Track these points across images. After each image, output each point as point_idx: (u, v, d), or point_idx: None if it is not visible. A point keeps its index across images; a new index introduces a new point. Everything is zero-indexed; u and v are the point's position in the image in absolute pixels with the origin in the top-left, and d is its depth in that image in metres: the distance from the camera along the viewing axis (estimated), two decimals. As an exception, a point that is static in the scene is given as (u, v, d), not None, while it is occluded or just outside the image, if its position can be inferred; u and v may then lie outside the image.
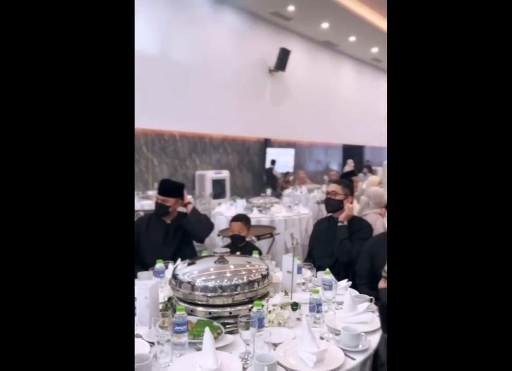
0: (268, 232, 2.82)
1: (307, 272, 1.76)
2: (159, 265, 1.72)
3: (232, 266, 1.42)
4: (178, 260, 1.77)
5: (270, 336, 1.08)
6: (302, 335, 1.09)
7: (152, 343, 1.12)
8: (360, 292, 1.55)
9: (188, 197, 5.12)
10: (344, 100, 10.27)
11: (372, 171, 8.27)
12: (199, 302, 1.31)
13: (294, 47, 8.32)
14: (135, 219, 2.29)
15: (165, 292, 1.50)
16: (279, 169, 8.05)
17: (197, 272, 1.40)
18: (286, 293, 1.47)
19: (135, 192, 4.63)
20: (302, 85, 8.91)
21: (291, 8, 7.27)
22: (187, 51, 6.46)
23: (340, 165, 10.34)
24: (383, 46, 9.44)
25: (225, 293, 1.31)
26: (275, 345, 1.13)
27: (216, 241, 3.31)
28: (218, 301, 1.29)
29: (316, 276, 1.73)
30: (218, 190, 6.82)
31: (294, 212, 3.92)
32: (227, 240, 2.51)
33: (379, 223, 2.48)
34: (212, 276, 1.36)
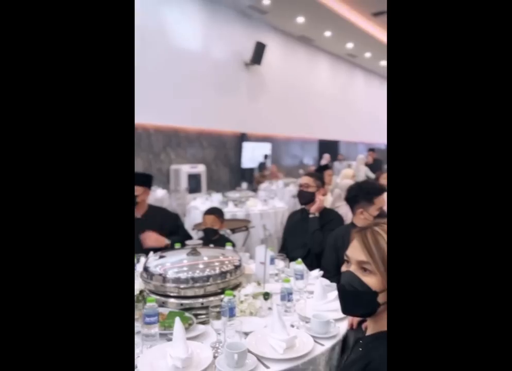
0: (243, 225, 2.83)
1: (280, 263, 1.78)
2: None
3: (204, 258, 1.42)
4: (151, 253, 1.75)
5: (241, 325, 1.09)
6: (272, 323, 1.11)
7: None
8: None
9: (162, 192, 5.07)
10: (320, 95, 10.38)
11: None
12: (171, 294, 1.31)
13: (270, 41, 8.31)
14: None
15: (136, 286, 1.49)
16: (255, 164, 8.06)
17: (169, 264, 1.39)
18: (259, 284, 1.49)
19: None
20: (278, 79, 8.93)
21: (266, 1, 7.24)
22: (160, 43, 6.33)
23: (316, 159, 10.46)
24: (358, 42, 9.59)
25: (197, 284, 1.31)
26: (246, 334, 1.14)
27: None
28: (190, 292, 1.29)
29: (288, 267, 1.76)
30: (194, 185, 6.75)
31: (270, 206, 3.94)
32: (202, 234, 2.51)
33: (350, 215, 2.54)
34: (185, 268, 1.36)
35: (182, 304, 1.28)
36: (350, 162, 9.11)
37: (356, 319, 1.26)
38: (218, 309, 1.09)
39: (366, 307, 0.74)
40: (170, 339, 1.09)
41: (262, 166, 7.91)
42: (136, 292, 1.41)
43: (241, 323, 1.08)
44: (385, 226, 0.78)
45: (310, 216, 2.01)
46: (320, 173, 3.25)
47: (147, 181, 2.09)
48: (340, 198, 2.67)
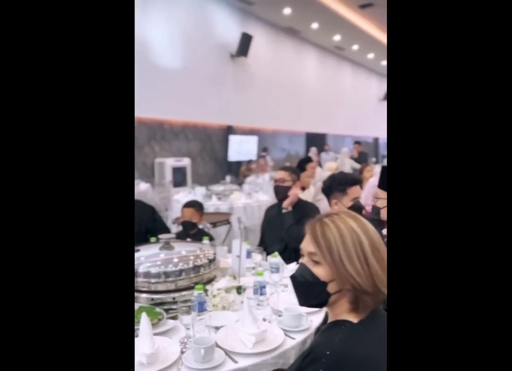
0: (225, 218, 2.81)
1: (258, 257, 1.77)
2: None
3: (177, 252, 1.40)
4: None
5: (210, 319, 1.07)
6: (242, 317, 1.09)
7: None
8: None
9: (146, 186, 5.00)
10: (308, 88, 10.35)
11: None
12: (142, 289, 1.28)
13: (257, 33, 8.22)
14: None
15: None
16: (241, 157, 8.02)
17: (142, 259, 1.37)
18: (234, 278, 1.47)
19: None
20: (265, 71, 8.86)
21: (252, -8, 7.15)
22: (144, 34, 6.19)
23: (303, 152, 10.47)
24: (345, 34, 9.56)
25: (170, 279, 1.29)
26: (217, 328, 1.13)
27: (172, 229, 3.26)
28: (161, 287, 1.27)
29: (266, 260, 1.75)
30: (179, 178, 6.69)
31: (254, 199, 3.92)
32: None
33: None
34: (158, 262, 1.33)
35: (152, 299, 1.26)
36: (337, 155, 9.14)
37: None
38: (188, 304, 1.07)
39: (317, 297, 0.75)
40: (138, 335, 1.06)
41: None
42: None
43: (210, 317, 1.07)
44: (335, 217, 0.77)
45: (283, 211, 2.00)
46: (302, 165, 3.24)
47: None
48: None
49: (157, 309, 1.21)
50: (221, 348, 1.01)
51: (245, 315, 1.08)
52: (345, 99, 11.96)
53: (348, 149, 7.56)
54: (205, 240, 1.75)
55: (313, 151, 8.50)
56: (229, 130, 8.19)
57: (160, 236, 1.46)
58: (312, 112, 10.46)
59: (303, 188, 3.13)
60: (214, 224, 2.64)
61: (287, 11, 8.06)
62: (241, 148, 8.25)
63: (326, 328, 0.76)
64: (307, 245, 0.79)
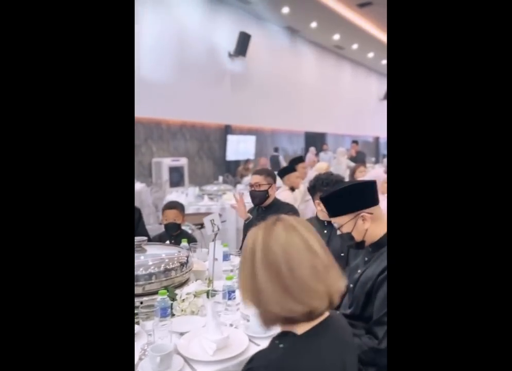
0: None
1: (236, 259, 1.74)
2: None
3: (149, 255, 1.38)
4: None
5: (172, 325, 1.05)
6: (206, 322, 1.07)
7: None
8: None
9: (141, 186, 5.00)
10: (307, 87, 10.30)
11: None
12: (110, 293, 1.26)
13: (255, 32, 8.19)
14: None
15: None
16: (239, 157, 8.00)
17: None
18: (210, 281, 1.45)
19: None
20: (263, 71, 8.82)
21: (250, -9, 7.12)
22: (141, 32, 6.17)
23: (303, 152, 10.43)
24: (344, 33, 9.50)
25: (139, 282, 1.27)
26: (182, 334, 1.11)
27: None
28: (129, 291, 1.25)
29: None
30: (176, 178, 6.68)
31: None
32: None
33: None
34: (128, 266, 1.31)
35: (120, 304, 1.24)
36: (335, 154, 9.09)
37: None
38: (147, 310, 1.05)
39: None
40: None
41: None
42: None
43: (171, 323, 1.04)
44: (263, 224, 0.75)
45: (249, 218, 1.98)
46: (292, 166, 3.22)
47: None
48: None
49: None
50: (182, 355, 0.99)
51: (208, 320, 1.06)
52: (345, 98, 11.89)
53: (345, 148, 7.52)
54: (184, 243, 1.73)
55: (312, 151, 8.46)
56: (228, 130, 8.16)
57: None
58: (311, 111, 10.41)
59: (292, 189, 3.10)
60: (201, 226, 2.62)
61: (285, 10, 8.02)
62: (239, 148, 8.23)
63: (273, 338, 0.73)
64: None
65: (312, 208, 2.36)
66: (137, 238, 1.44)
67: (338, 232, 1.24)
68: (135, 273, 1.28)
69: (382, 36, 9.70)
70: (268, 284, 0.67)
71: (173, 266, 1.35)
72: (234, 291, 1.25)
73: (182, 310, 1.23)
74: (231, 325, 1.16)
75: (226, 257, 1.67)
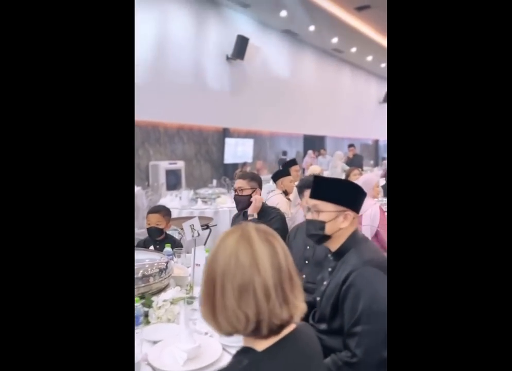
0: (204, 223, 2.76)
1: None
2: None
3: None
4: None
5: (142, 333, 1.03)
6: (179, 331, 1.05)
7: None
8: None
9: (136, 189, 4.98)
10: (306, 90, 10.29)
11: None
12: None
13: (253, 35, 8.20)
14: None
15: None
16: (237, 160, 7.98)
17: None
18: (191, 287, 1.43)
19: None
20: (261, 74, 8.82)
21: (248, -5, 7.13)
22: (138, 36, 6.18)
23: (301, 155, 10.41)
24: (343, 37, 9.51)
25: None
26: (156, 343, 1.08)
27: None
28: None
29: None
30: (173, 181, 6.67)
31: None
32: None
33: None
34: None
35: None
36: (332, 158, 9.07)
37: None
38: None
39: None
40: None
41: (282, 163, 7.68)
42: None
43: (142, 331, 1.02)
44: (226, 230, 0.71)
45: (249, 218, 1.94)
46: (286, 170, 3.19)
47: None
48: (302, 195, 2.61)
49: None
50: (151, 366, 0.96)
51: (181, 329, 1.03)
52: (344, 101, 11.89)
53: (342, 152, 7.49)
54: (167, 248, 1.70)
55: (309, 154, 8.45)
56: (226, 133, 8.16)
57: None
58: (310, 114, 10.40)
59: (286, 193, 3.08)
60: (191, 230, 2.60)
61: (283, 13, 8.03)
62: (237, 151, 8.22)
63: (235, 354, 0.70)
64: None
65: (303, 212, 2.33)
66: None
67: (309, 215, 1.18)
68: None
69: (381, 39, 9.70)
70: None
71: (151, 272, 1.33)
72: (211, 299, 1.22)
73: (158, 318, 1.20)
74: (206, 333, 1.14)
75: (209, 262, 1.64)
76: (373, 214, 2.50)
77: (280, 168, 3.46)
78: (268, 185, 5.60)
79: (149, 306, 1.22)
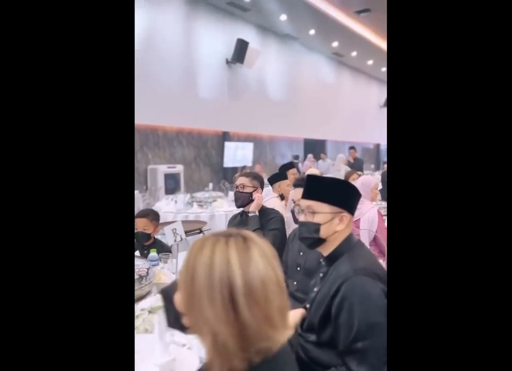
0: (197, 227, 2.69)
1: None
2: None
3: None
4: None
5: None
6: (154, 342, 0.97)
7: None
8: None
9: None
10: (306, 94, 10.25)
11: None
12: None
13: (253, 39, 8.18)
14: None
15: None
16: (237, 164, 7.93)
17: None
18: (174, 294, 1.35)
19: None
20: (261, 78, 8.80)
21: (247, -1, 7.11)
22: (138, 39, 6.16)
23: (301, 159, 10.35)
24: (343, 40, 9.48)
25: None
26: (130, 355, 1.01)
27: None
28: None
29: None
30: (171, 185, 6.61)
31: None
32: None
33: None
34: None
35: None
36: (334, 162, 9.01)
37: None
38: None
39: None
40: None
41: (291, 166, 7.63)
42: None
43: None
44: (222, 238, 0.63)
45: (250, 214, 1.88)
46: (283, 173, 3.12)
47: None
48: (297, 199, 2.53)
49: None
50: (121, 380, 0.89)
51: (155, 341, 0.96)
52: (345, 105, 11.84)
53: (344, 155, 7.43)
54: (153, 253, 1.63)
55: (309, 158, 8.38)
56: (225, 136, 8.11)
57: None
58: (311, 118, 10.35)
59: (282, 197, 3.00)
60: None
61: (283, 17, 8.02)
62: (236, 155, 8.16)
63: None
64: None
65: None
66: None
67: (302, 217, 1.08)
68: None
69: (382, 43, 9.66)
70: (248, 315, 0.55)
71: (131, 279, 1.25)
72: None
73: (135, 328, 1.13)
74: (184, 345, 1.06)
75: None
76: (371, 218, 2.43)
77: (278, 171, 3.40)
78: (269, 188, 5.54)
79: (126, 315, 1.14)
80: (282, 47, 9.37)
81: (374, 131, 12.75)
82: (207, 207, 3.70)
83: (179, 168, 6.85)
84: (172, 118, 6.89)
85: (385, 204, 3.35)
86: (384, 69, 11.84)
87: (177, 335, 1.10)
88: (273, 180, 3.00)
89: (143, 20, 6.25)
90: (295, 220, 1.68)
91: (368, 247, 2.35)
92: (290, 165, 3.31)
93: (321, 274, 1.12)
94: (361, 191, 2.53)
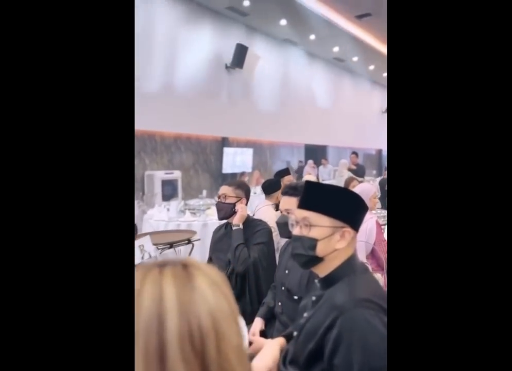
0: (186, 237, 2.55)
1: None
2: None
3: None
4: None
5: None
6: None
7: None
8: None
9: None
10: (307, 99, 10.17)
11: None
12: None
13: (253, 44, 8.12)
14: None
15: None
16: (236, 170, 7.82)
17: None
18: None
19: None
20: (261, 83, 8.71)
21: (246, 3, 7.04)
22: (136, 43, 6.08)
23: (303, 165, 10.22)
24: (344, 45, 9.40)
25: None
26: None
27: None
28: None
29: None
30: (169, 191, 6.50)
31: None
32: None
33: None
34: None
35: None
36: (336, 168, 8.88)
37: None
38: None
39: None
40: None
41: (286, 173, 7.51)
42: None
43: None
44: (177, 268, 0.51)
45: (234, 228, 1.74)
46: (278, 181, 2.99)
47: None
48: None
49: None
50: None
51: None
52: (346, 110, 11.74)
53: (347, 161, 7.31)
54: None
55: (309, 164, 8.26)
56: (225, 142, 8.02)
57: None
58: (312, 123, 10.24)
59: (277, 206, 2.87)
60: (171, 245, 2.39)
61: (283, 22, 7.95)
62: (236, 161, 8.06)
63: None
64: None
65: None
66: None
67: (297, 230, 0.94)
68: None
69: (383, 48, 9.57)
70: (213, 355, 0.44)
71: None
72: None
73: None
74: None
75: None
76: (369, 229, 2.28)
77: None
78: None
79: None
80: (281, 52, 9.30)
81: (376, 136, 12.62)
82: (200, 215, 3.57)
83: (177, 174, 6.75)
84: (170, 124, 6.80)
85: (384, 212, 3.21)
86: (386, 74, 11.75)
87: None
88: (267, 190, 2.86)
89: (142, 24, 6.19)
90: (282, 233, 1.53)
91: (365, 260, 2.22)
92: (285, 172, 3.19)
93: (313, 298, 0.96)
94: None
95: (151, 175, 6.43)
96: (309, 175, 3.77)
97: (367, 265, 1.97)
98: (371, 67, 11.28)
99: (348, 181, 3.76)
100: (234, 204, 1.78)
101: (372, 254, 2.22)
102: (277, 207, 2.85)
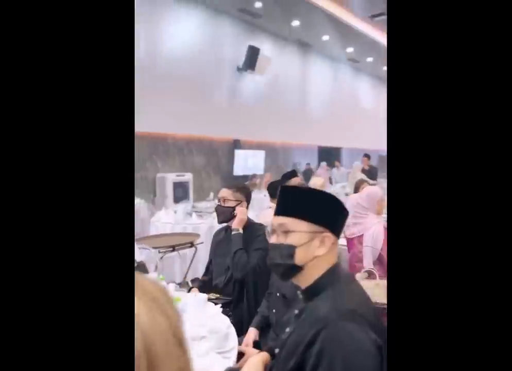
0: (189, 240, 2.52)
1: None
2: None
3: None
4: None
5: None
6: None
7: None
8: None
9: (139, 202, 4.82)
10: (320, 101, 10.06)
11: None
12: None
13: (265, 46, 8.08)
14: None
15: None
16: (248, 172, 7.78)
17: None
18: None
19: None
20: (273, 85, 8.67)
21: (258, 5, 7.02)
22: (148, 47, 6.15)
23: (315, 167, 10.11)
24: (358, 46, 9.27)
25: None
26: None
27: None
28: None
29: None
30: (181, 193, 6.51)
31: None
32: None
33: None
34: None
35: None
36: (349, 170, 8.73)
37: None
38: None
39: None
40: None
41: (293, 175, 7.47)
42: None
43: None
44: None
45: (233, 232, 1.69)
46: (284, 181, 2.93)
47: None
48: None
49: None
50: None
51: None
52: (360, 112, 11.56)
53: (360, 162, 7.17)
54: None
55: (323, 166, 8.15)
56: (236, 144, 8.00)
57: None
58: (325, 125, 10.12)
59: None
60: (173, 248, 2.36)
61: (296, 23, 7.89)
62: (247, 163, 8.02)
63: None
64: None
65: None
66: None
67: (273, 238, 0.89)
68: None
69: (398, 48, 9.39)
70: None
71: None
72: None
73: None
74: None
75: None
76: (376, 233, 2.19)
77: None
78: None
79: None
80: (294, 53, 9.24)
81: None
82: (207, 218, 3.55)
83: (188, 177, 6.75)
84: (182, 126, 6.83)
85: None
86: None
87: None
88: (271, 192, 2.82)
89: (155, 27, 6.24)
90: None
91: (372, 266, 2.13)
92: (292, 174, 3.12)
93: (296, 311, 0.90)
94: (366, 203, 2.28)
95: (163, 178, 6.45)
96: (316, 178, 3.69)
97: (357, 273, 1.89)
98: (385, 68, 11.09)
99: (359, 184, 3.66)
100: (234, 208, 1.73)
101: (379, 260, 2.13)
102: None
